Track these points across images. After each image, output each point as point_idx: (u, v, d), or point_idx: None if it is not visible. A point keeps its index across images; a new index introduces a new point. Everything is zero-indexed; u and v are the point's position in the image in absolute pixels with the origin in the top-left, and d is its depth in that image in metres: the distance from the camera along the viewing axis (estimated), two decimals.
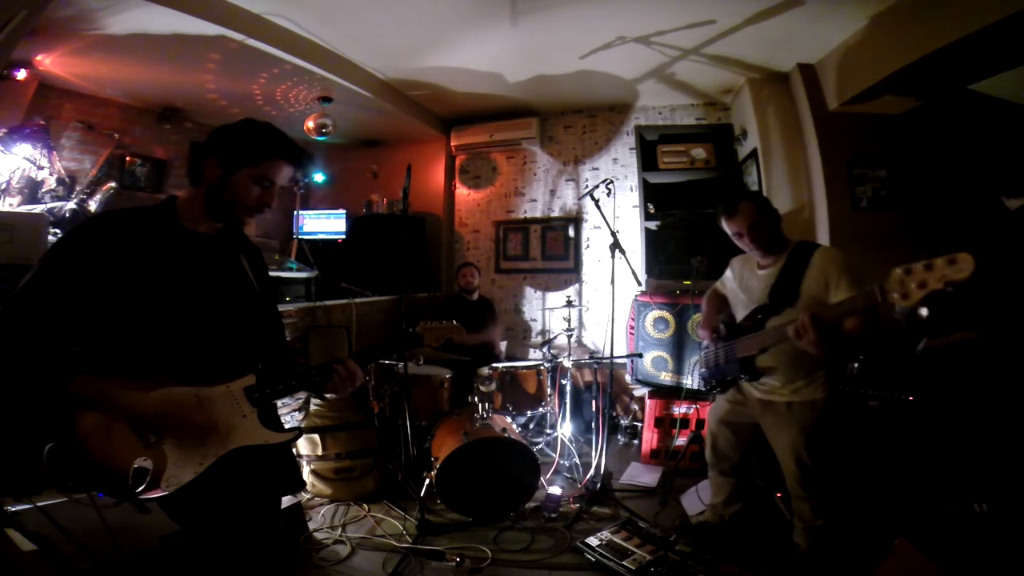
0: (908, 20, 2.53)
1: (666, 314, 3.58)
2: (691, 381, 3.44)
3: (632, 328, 3.75)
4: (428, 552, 2.24)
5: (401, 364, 2.55)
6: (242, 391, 1.20)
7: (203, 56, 3.06)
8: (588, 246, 4.55)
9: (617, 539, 2.25)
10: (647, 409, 3.42)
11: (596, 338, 4.42)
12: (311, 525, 2.48)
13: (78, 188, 3.25)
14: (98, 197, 3.24)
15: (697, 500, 2.65)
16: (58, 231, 2.65)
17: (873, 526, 2.06)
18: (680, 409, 3.32)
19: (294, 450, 2.54)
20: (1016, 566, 1.55)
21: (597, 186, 3.06)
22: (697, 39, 3.08)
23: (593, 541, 2.25)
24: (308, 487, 2.78)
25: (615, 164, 4.46)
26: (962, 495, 1.84)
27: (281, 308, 2.05)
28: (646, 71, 3.64)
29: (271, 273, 1.53)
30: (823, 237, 3.18)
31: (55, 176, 3.13)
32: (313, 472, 2.79)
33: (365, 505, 2.69)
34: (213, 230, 1.27)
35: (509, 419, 3.05)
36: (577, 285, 4.55)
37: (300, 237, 4.40)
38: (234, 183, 1.21)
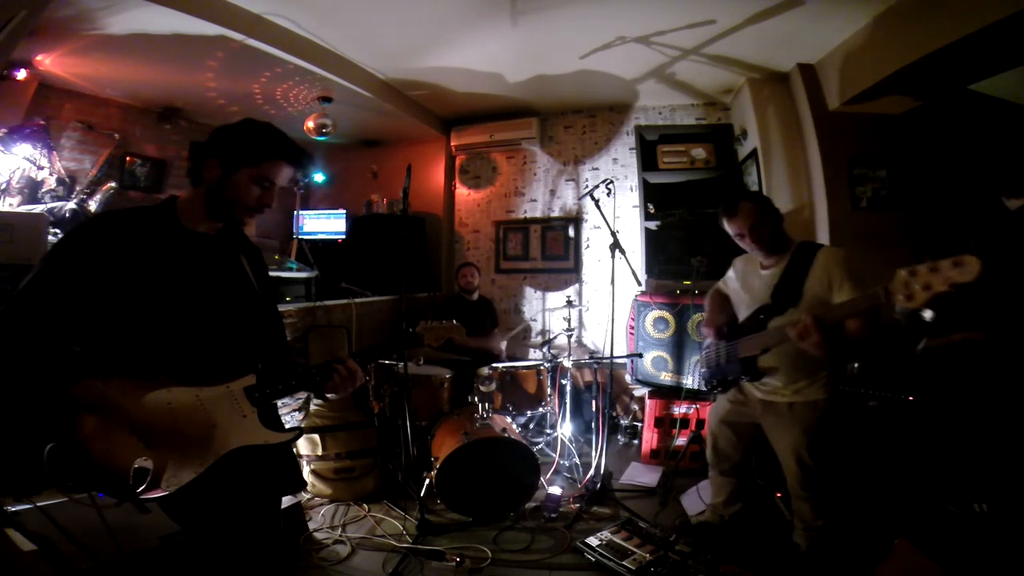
0: (908, 20, 2.53)
1: (666, 314, 3.58)
2: (691, 381, 3.44)
3: (632, 328, 3.75)
4: (428, 552, 2.24)
5: (401, 364, 2.55)
6: (242, 391, 1.20)
7: (203, 56, 3.06)
8: (588, 246, 4.55)
9: (617, 539, 2.25)
10: (647, 409, 3.42)
11: (596, 338, 4.42)
12: (311, 525, 2.48)
13: (78, 188, 3.25)
14: (98, 197, 3.24)
15: (697, 500, 2.65)
16: (58, 231, 2.65)
17: (873, 526, 2.06)
18: (680, 409, 3.32)
19: (294, 450, 2.54)
20: (1016, 566, 1.55)
21: (597, 186, 3.07)
22: (697, 39, 3.08)
23: (593, 541, 2.25)
24: (308, 487, 2.78)
25: (615, 164, 4.46)
26: (962, 495, 1.84)
27: (281, 308, 2.05)
28: (646, 71, 3.64)
29: (271, 273, 1.53)
30: (823, 237, 3.18)
31: (55, 176, 3.13)
32: (313, 472, 2.79)
33: (365, 505, 2.69)
34: (213, 230, 1.27)
35: (509, 419, 3.05)
36: (577, 285, 4.55)
37: (300, 237, 4.40)
38: (234, 183, 1.21)
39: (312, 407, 2.87)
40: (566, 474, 3.09)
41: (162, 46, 2.87)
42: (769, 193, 3.40)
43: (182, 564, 1.35)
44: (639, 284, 3.01)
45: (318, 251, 4.20)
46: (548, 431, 3.62)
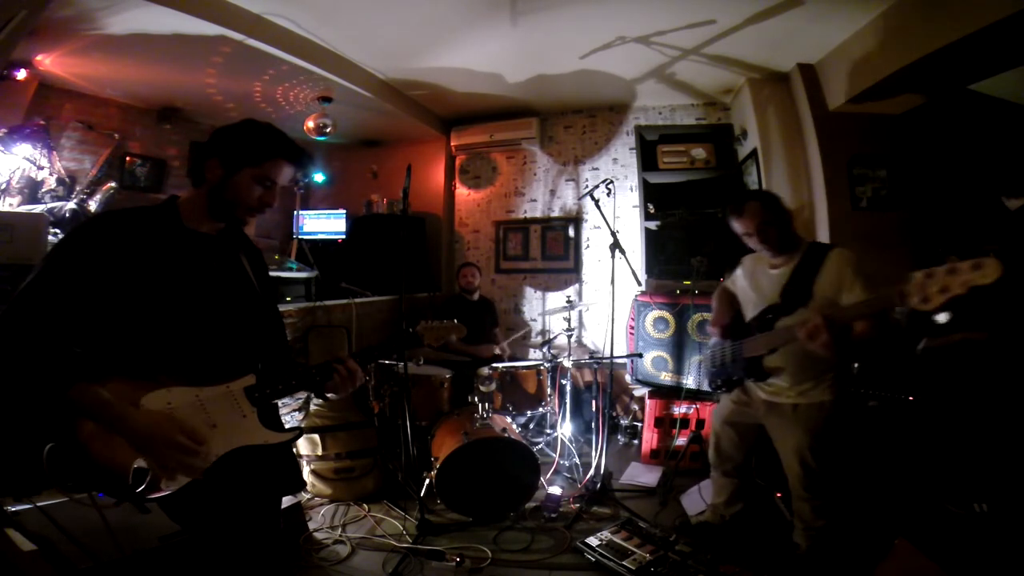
0: (908, 20, 2.53)
1: (666, 314, 3.58)
2: (691, 381, 3.44)
3: (632, 328, 3.75)
4: (428, 552, 2.24)
5: (401, 364, 2.55)
6: (242, 391, 1.20)
7: (203, 56, 3.06)
8: (588, 246, 4.55)
9: (617, 539, 2.25)
10: (647, 409, 3.42)
11: (596, 338, 4.42)
12: (311, 525, 2.48)
13: (78, 188, 3.25)
14: (98, 197, 3.24)
15: (698, 500, 2.65)
16: (58, 231, 2.65)
17: (873, 526, 2.06)
18: (680, 409, 3.32)
19: (294, 450, 2.54)
20: (1016, 566, 1.55)
21: (597, 186, 3.06)
22: (697, 39, 3.08)
23: (593, 541, 2.25)
24: (308, 487, 2.78)
25: (615, 164, 4.46)
26: (962, 495, 1.84)
27: (281, 308, 2.05)
28: (646, 71, 3.64)
29: (271, 273, 1.53)
30: (823, 237, 3.18)
31: (55, 176, 3.13)
32: (313, 472, 2.79)
33: (365, 505, 2.69)
34: (215, 230, 1.27)
35: (509, 419, 3.05)
36: (577, 285, 4.55)
37: (300, 237, 4.40)
38: (236, 183, 1.21)
39: (312, 407, 2.87)
40: (566, 474, 3.09)
41: (162, 46, 2.87)
42: None
43: (182, 564, 1.35)
44: (639, 284, 3.01)
45: (318, 251, 4.20)
46: (548, 431, 3.62)
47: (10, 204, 2.94)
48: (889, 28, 2.66)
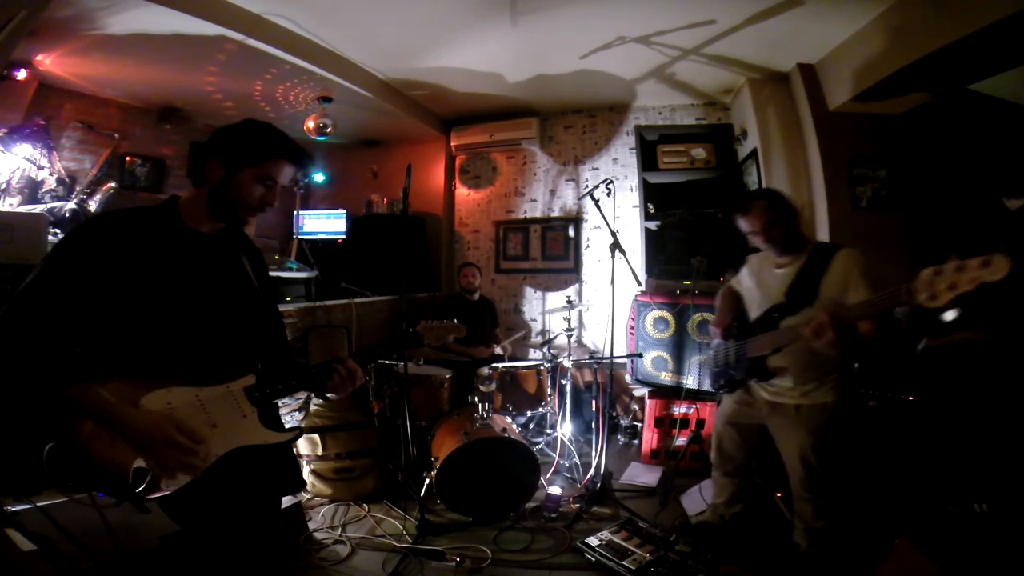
0: (908, 20, 2.53)
1: (666, 314, 3.58)
2: (691, 381, 3.44)
3: (632, 328, 3.75)
4: (428, 552, 2.24)
5: (401, 364, 2.55)
6: (242, 391, 1.20)
7: (203, 56, 3.06)
8: (588, 246, 4.55)
9: (617, 539, 2.25)
10: (647, 409, 3.42)
11: (596, 338, 4.42)
12: (311, 525, 2.48)
13: (78, 188, 3.25)
14: (98, 197, 3.24)
15: (698, 500, 2.65)
16: (58, 231, 2.65)
17: (873, 526, 2.06)
18: (680, 409, 3.32)
19: (294, 450, 2.54)
20: (1016, 566, 1.55)
21: (597, 186, 3.06)
22: (697, 39, 3.07)
23: (593, 541, 2.25)
24: (308, 487, 2.78)
25: (615, 164, 4.46)
26: (962, 495, 1.84)
27: (281, 308, 2.05)
28: (646, 71, 3.64)
29: (271, 273, 1.53)
30: (823, 237, 3.18)
31: (55, 176, 3.13)
32: (313, 472, 2.79)
33: (365, 505, 2.69)
34: (215, 230, 1.27)
35: (509, 419, 3.05)
36: (577, 285, 4.55)
37: (300, 237, 4.40)
38: (237, 183, 1.21)
39: (312, 407, 2.88)
40: (566, 474, 3.09)
41: (162, 46, 2.86)
42: None
43: (182, 564, 1.35)
44: (639, 284, 3.01)
45: (318, 251, 4.20)
46: (548, 431, 3.62)
47: (10, 204, 2.94)
48: (889, 28, 2.66)
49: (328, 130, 3.85)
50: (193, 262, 1.20)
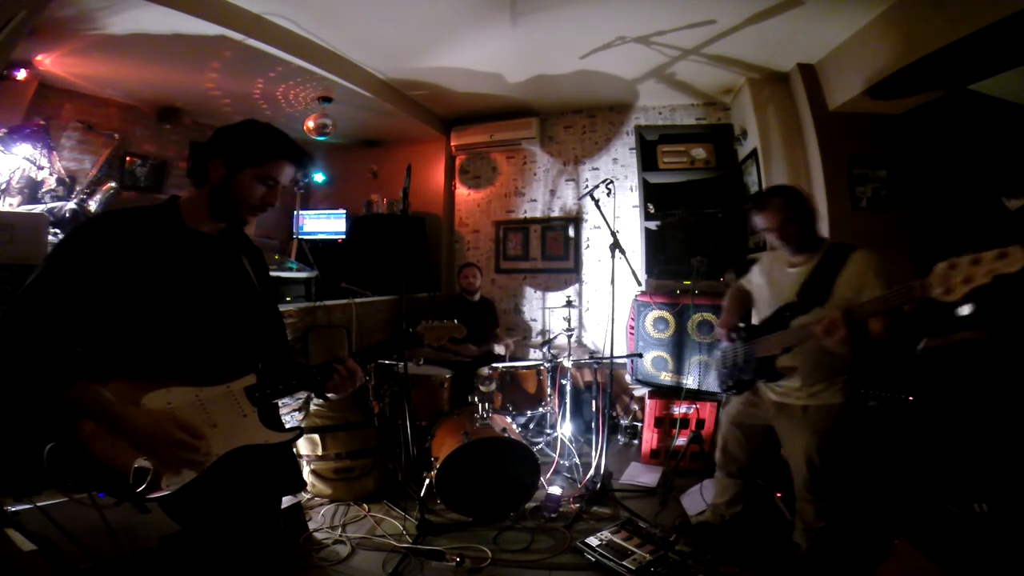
0: (908, 20, 2.53)
1: (666, 314, 3.58)
2: (691, 381, 3.44)
3: (632, 328, 3.75)
4: (428, 552, 2.24)
5: (401, 364, 2.55)
6: (243, 391, 1.20)
7: (203, 56, 3.06)
8: (588, 246, 4.55)
9: (617, 539, 2.25)
10: (647, 409, 3.42)
11: (596, 338, 4.42)
12: (311, 525, 2.48)
13: (78, 188, 3.25)
14: (98, 197, 3.24)
15: (698, 500, 2.65)
16: (58, 231, 2.65)
17: (874, 526, 2.06)
18: (680, 409, 3.32)
19: (294, 450, 2.55)
20: (1016, 566, 1.55)
21: (597, 186, 3.07)
22: (697, 39, 3.07)
23: (593, 541, 2.25)
24: (308, 487, 2.78)
25: (615, 164, 4.46)
26: (962, 495, 1.84)
27: (281, 308, 2.05)
28: (646, 71, 3.64)
29: (271, 273, 1.53)
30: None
31: (55, 176, 3.13)
32: (313, 472, 2.79)
33: (365, 505, 2.69)
34: (216, 230, 1.27)
35: (509, 419, 3.05)
36: (577, 285, 4.55)
37: (300, 237, 4.40)
38: (238, 183, 1.21)
39: (312, 407, 2.87)
40: (566, 474, 3.09)
41: (162, 46, 2.86)
42: None
43: (182, 564, 1.35)
44: (639, 284, 3.02)
45: (318, 251, 4.20)
46: (548, 431, 3.62)
47: (10, 204, 2.94)
48: (889, 28, 2.66)
49: (328, 130, 3.85)
50: (194, 262, 1.20)
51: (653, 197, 4.07)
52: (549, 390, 3.17)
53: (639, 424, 3.66)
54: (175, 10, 2.47)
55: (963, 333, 1.92)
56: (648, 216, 4.04)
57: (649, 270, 4.02)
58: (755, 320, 2.19)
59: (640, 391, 3.93)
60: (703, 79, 3.73)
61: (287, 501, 2.30)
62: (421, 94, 4.20)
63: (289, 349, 1.47)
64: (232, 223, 1.29)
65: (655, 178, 4.10)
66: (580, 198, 4.56)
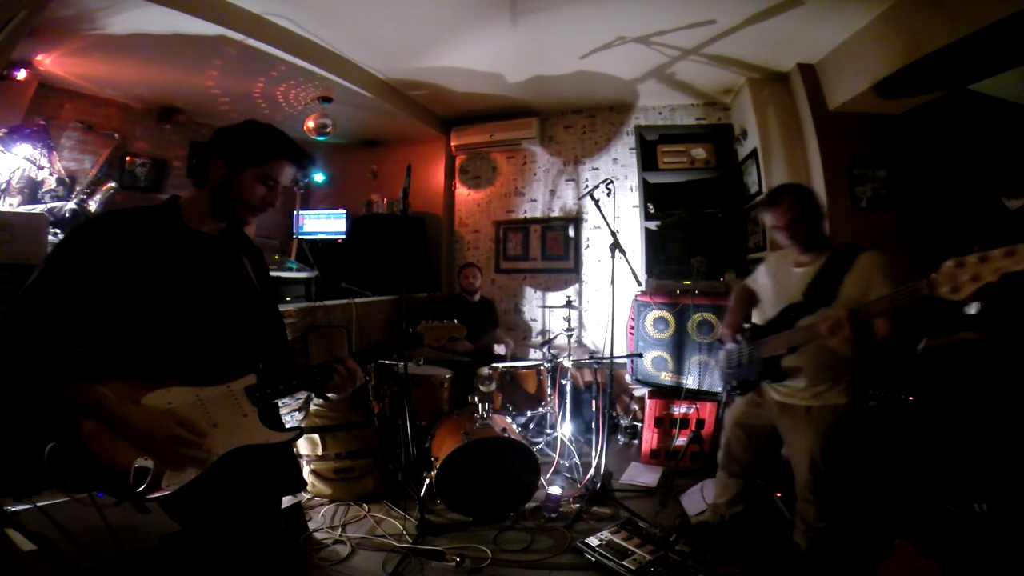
0: (908, 20, 2.53)
1: (666, 314, 3.58)
2: (691, 381, 3.44)
3: (632, 328, 3.75)
4: (428, 552, 2.24)
5: (401, 364, 2.55)
6: (243, 390, 1.20)
7: (203, 56, 3.06)
8: (588, 246, 4.55)
9: (617, 539, 2.25)
10: (647, 409, 3.42)
11: (596, 338, 4.42)
12: (311, 525, 2.48)
13: (78, 188, 3.25)
14: (98, 197, 3.24)
15: (698, 500, 2.66)
16: (58, 231, 2.65)
17: (874, 526, 2.06)
18: (680, 409, 3.32)
19: (294, 450, 2.55)
20: (1016, 566, 1.55)
21: (597, 186, 3.06)
22: (697, 39, 3.08)
23: (593, 541, 2.25)
24: (308, 487, 2.78)
25: (615, 164, 4.46)
26: (962, 495, 1.84)
27: (281, 308, 2.05)
28: (646, 71, 3.64)
29: (271, 273, 1.53)
30: None
31: (55, 176, 3.13)
32: (313, 472, 2.79)
33: (365, 505, 2.69)
34: (216, 230, 1.27)
35: (509, 419, 3.05)
36: (577, 285, 4.55)
37: (300, 237, 4.40)
38: (240, 183, 1.21)
39: (312, 407, 2.88)
40: (566, 474, 3.09)
41: (162, 46, 2.86)
42: None
43: (182, 564, 1.35)
44: (639, 284, 3.02)
45: (318, 251, 4.20)
46: (548, 431, 3.62)
47: (10, 204, 2.94)
48: (889, 28, 2.66)
49: (328, 130, 3.86)
50: (194, 262, 1.20)
51: (653, 197, 4.07)
52: (549, 390, 3.17)
53: (639, 424, 3.66)
54: (175, 10, 2.47)
55: (963, 333, 1.92)
56: (648, 216, 4.04)
57: (649, 270, 4.02)
58: (758, 320, 2.18)
59: (640, 391, 3.93)
60: (703, 79, 3.73)
61: (287, 501, 2.30)
62: (421, 94, 4.20)
63: (289, 349, 1.47)
64: (232, 223, 1.29)
65: (655, 178, 4.10)
66: (580, 198, 4.56)
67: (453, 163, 5.03)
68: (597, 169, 4.51)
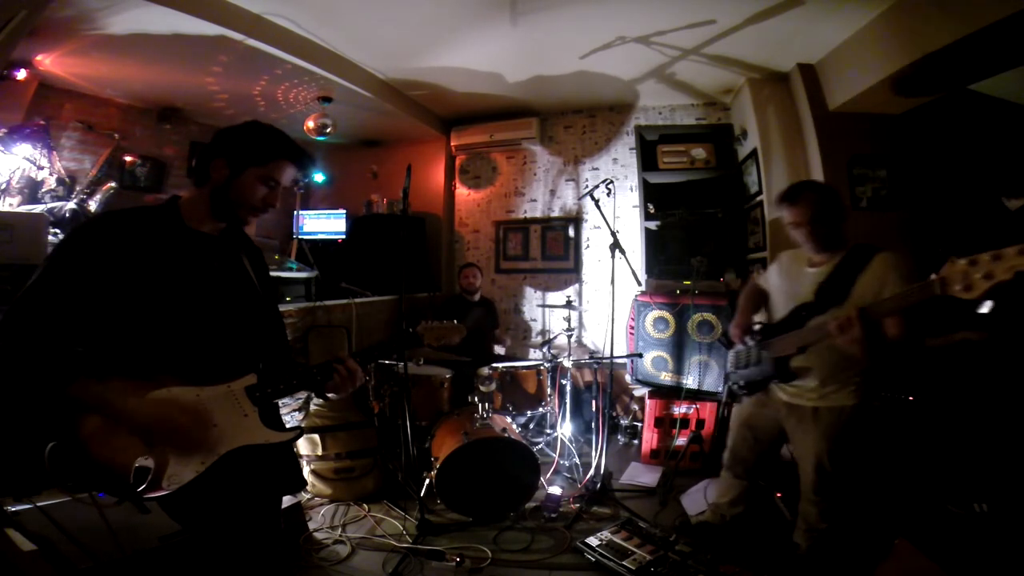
0: (908, 20, 2.53)
1: (666, 314, 3.58)
2: (691, 381, 3.44)
3: (632, 328, 3.75)
4: (428, 552, 2.24)
5: (401, 364, 2.55)
6: (243, 390, 1.20)
7: (203, 56, 3.06)
8: (588, 246, 4.55)
9: (617, 539, 2.25)
10: (647, 409, 3.42)
11: (596, 338, 4.42)
12: (311, 525, 2.48)
13: (78, 188, 3.24)
14: (98, 197, 3.23)
15: (698, 499, 2.66)
16: (58, 231, 2.65)
17: (873, 526, 2.06)
18: (680, 409, 3.32)
19: (294, 450, 2.54)
20: (1016, 566, 1.55)
21: (597, 186, 3.06)
22: (697, 39, 3.08)
23: (593, 541, 2.25)
24: (308, 487, 2.78)
25: (615, 164, 4.46)
26: (962, 495, 1.84)
27: (281, 308, 2.05)
28: (646, 71, 3.64)
29: (271, 273, 1.53)
30: None
31: (55, 176, 3.12)
32: (313, 472, 2.79)
33: (365, 505, 2.69)
34: (217, 230, 1.28)
35: (509, 419, 3.05)
36: (577, 285, 4.55)
37: (300, 237, 4.40)
38: (241, 183, 1.22)
39: (312, 407, 2.87)
40: (566, 474, 3.09)
41: (162, 46, 2.86)
42: (769, 193, 3.41)
43: (182, 564, 1.35)
44: (639, 284, 3.02)
45: (318, 251, 4.20)
46: (548, 431, 3.62)
47: (10, 204, 2.94)
48: (889, 28, 2.66)
49: (328, 130, 3.86)
50: (194, 262, 1.20)
51: (653, 197, 4.07)
52: (549, 390, 3.17)
53: (639, 424, 3.66)
54: (175, 10, 2.47)
55: (963, 333, 1.92)
56: (648, 216, 4.04)
57: (649, 270, 4.02)
58: (767, 320, 2.16)
59: (640, 391, 3.93)
60: (703, 79, 3.73)
61: (287, 501, 2.30)
62: (421, 94, 4.20)
63: (289, 349, 1.47)
64: (233, 223, 1.29)
65: (655, 178, 4.10)
66: (580, 198, 4.56)
67: (453, 163, 5.03)
68: (597, 169, 4.51)
